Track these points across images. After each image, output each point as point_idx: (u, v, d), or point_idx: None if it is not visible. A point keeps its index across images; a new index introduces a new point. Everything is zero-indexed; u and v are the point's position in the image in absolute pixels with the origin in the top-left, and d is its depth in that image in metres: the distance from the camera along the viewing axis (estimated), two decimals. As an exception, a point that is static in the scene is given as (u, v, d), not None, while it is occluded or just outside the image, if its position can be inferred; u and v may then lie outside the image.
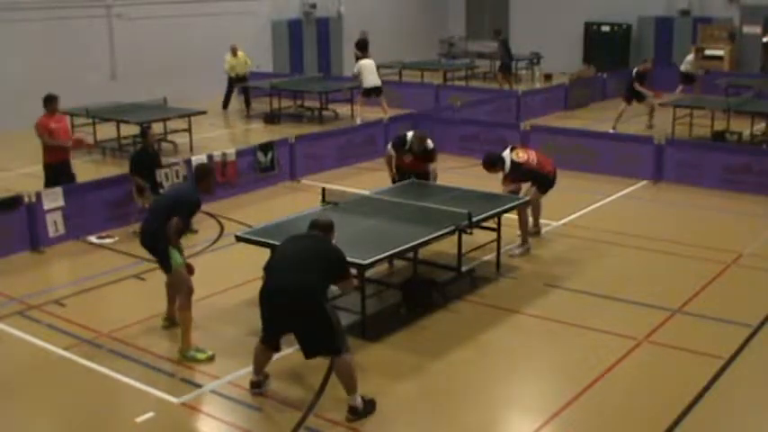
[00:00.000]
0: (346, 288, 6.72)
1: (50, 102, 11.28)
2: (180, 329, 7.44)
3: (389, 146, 10.40)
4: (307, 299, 6.17)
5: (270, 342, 6.55)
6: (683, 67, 19.54)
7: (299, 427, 6.22)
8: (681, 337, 7.68)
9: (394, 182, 10.40)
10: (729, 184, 12.76)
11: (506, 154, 9.90)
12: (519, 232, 9.85)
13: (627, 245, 10.25)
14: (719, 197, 12.48)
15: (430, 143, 10.17)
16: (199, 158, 12.41)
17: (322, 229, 6.61)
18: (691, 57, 19.59)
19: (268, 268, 6.49)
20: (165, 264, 7.46)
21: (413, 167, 10.27)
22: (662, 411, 6.34)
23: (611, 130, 16.21)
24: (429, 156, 10.24)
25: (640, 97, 17.13)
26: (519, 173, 9.85)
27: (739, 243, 10.20)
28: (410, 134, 10.23)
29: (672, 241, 10.34)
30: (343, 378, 6.30)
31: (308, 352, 6.37)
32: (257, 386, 6.72)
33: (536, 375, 7.24)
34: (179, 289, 7.42)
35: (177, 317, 7.54)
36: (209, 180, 7.57)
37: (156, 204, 7.84)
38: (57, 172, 11.18)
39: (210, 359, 7.27)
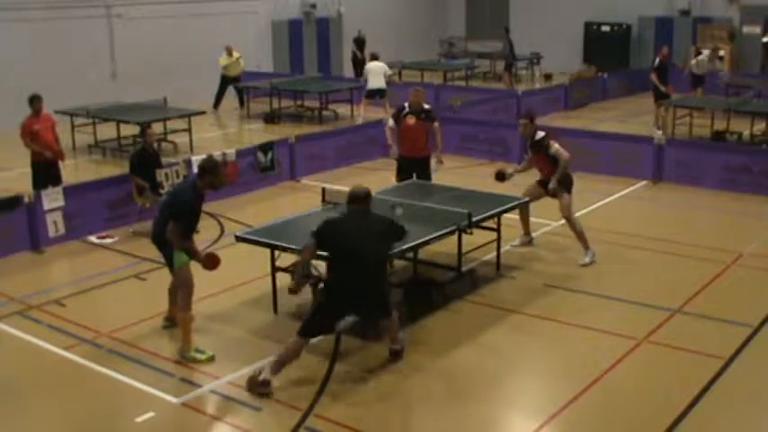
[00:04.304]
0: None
1: (35, 102, 11.17)
2: (180, 330, 7.43)
3: (389, 120, 10.76)
4: (382, 272, 6.93)
5: (319, 333, 6.90)
6: (700, 71, 18.73)
7: (298, 427, 6.22)
8: (681, 337, 7.68)
9: (398, 158, 10.68)
10: (729, 184, 12.77)
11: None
12: (579, 243, 9.63)
13: (627, 245, 10.25)
14: (719, 197, 12.49)
15: (426, 105, 10.69)
16: (199, 158, 12.40)
17: (364, 201, 6.88)
18: (704, 56, 18.89)
19: (339, 259, 6.75)
20: (167, 258, 7.42)
21: (417, 132, 10.44)
22: (662, 411, 6.35)
23: (656, 130, 16.23)
24: (429, 114, 10.59)
25: (657, 93, 17.02)
26: (546, 150, 9.62)
27: (739, 243, 10.21)
28: (406, 104, 10.64)
29: (672, 241, 10.34)
30: (392, 330, 7.11)
31: (375, 317, 7.11)
32: (268, 385, 6.64)
33: (536, 375, 7.24)
34: (180, 288, 7.36)
35: (177, 317, 7.52)
36: (216, 175, 7.09)
37: (161, 204, 7.76)
38: (43, 172, 11.15)
39: (210, 359, 7.26)
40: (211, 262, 7.20)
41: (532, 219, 10.21)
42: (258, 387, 6.64)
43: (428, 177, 10.62)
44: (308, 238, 6.84)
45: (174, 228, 7.00)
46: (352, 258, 6.66)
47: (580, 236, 9.59)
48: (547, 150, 9.62)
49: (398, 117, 10.55)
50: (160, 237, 7.33)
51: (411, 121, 10.43)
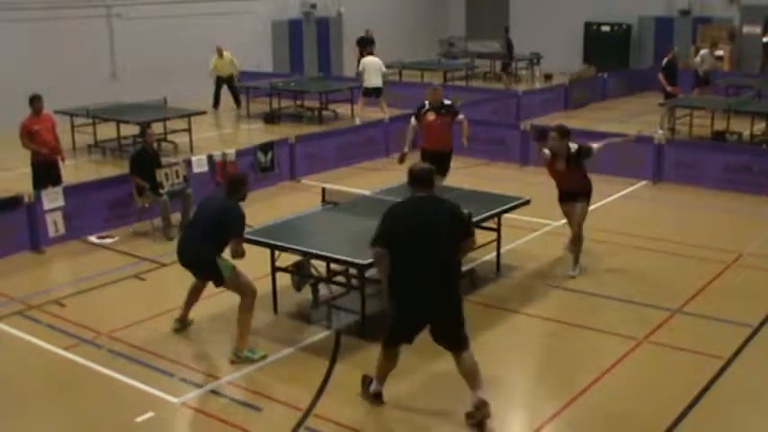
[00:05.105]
0: (470, 248, 6.34)
1: (35, 102, 11.15)
2: (186, 330, 7.53)
3: (412, 119, 10.94)
4: (452, 279, 6.05)
5: (407, 340, 6.26)
6: (705, 67, 18.42)
7: (299, 427, 6.22)
8: (681, 337, 7.69)
9: (401, 161, 10.71)
10: (729, 184, 12.76)
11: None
12: (572, 254, 9.40)
13: (626, 245, 10.26)
14: (719, 197, 12.49)
15: (446, 101, 10.87)
16: (199, 158, 12.42)
17: (427, 181, 6.06)
18: (705, 52, 18.65)
19: (403, 257, 5.93)
20: (212, 277, 7.38)
21: (439, 127, 10.62)
22: (662, 411, 6.35)
23: (656, 129, 16.25)
24: (449, 108, 10.77)
25: (664, 93, 17.02)
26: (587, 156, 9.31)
27: (739, 243, 10.21)
28: (426, 101, 10.87)
29: (672, 241, 10.34)
30: (475, 370, 6.14)
31: (457, 338, 6.12)
32: (380, 396, 6.48)
33: (536, 376, 7.24)
34: (243, 294, 7.29)
35: (238, 317, 7.31)
36: (244, 190, 7.55)
37: (197, 222, 7.53)
38: (42, 172, 11.13)
39: (263, 358, 7.21)
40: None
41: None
42: (372, 399, 6.51)
43: (445, 171, 10.78)
44: (372, 247, 6.10)
45: (238, 242, 7.20)
46: (418, 256, 5.91)
47: (578, 249, 9.35)
48: (588, 156, 9.42)
49: (419, 114, 10.80)
50: (197, 254, 7.31)
51: (431, 117, 10.63)
